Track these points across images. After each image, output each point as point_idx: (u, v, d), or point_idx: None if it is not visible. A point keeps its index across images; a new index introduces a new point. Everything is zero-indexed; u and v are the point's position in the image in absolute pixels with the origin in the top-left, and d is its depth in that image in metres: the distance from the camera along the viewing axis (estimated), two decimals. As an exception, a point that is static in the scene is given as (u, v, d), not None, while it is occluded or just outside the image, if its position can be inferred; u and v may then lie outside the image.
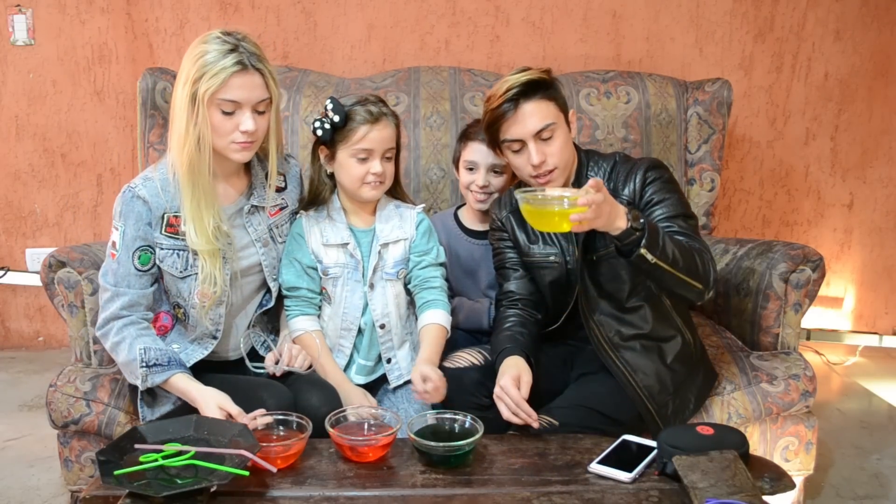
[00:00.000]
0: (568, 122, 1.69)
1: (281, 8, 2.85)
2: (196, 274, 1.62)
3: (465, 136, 2.02)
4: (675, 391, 1.69)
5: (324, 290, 1.82)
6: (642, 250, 1.46)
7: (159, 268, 1.64)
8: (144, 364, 1.57)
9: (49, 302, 1.98)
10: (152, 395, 1.64)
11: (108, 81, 2.93)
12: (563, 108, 1.68)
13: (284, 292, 1.80)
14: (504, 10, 2.85)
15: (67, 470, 1.87)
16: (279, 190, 1.78)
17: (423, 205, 1.94)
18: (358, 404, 1.68)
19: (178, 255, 1.63)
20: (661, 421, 1.65)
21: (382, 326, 1.80)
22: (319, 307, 1.84)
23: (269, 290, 1.77)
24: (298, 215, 1.83)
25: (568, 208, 1.39)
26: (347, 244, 1.79)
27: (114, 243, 1.61)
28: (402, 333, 1.84)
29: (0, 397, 2.71)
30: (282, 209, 1.78)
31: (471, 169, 1.97)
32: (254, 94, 1.57)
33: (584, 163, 1.74)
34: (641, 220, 1.47)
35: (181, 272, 1.63)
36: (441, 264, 1.88)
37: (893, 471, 2.24)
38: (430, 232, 1.87)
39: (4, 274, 3.01)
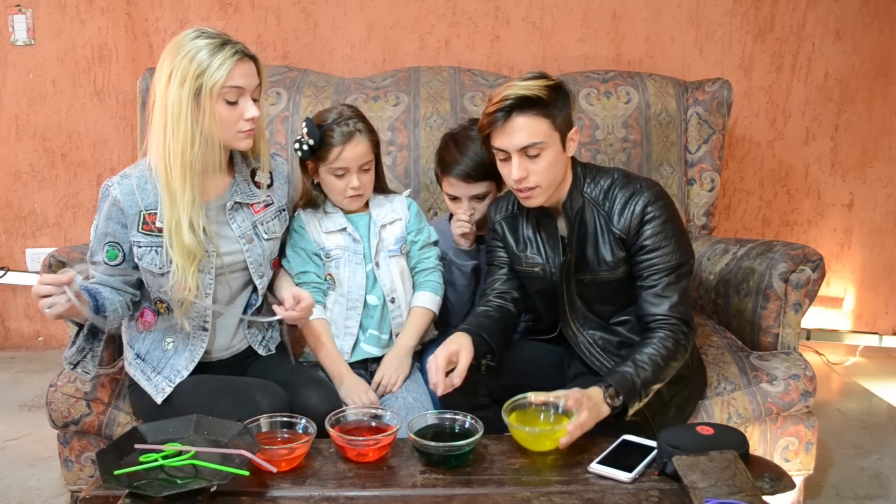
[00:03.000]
0: (564, 142, 1.63)
1: (281, 8, 2.85)
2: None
3: (441, 168, 1.99)
4: (672, 398, 1.69)
5: (329, 276, 1.87)
6: (628, 416, 1.52)
7: (134, 266, 1.65)
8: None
9: (49, 302, 1.98)
10: (158, 355, 1.70)
11: (108, 81, 2.93)
12: (561, 128, 1.61)
13: (294, 280, 1.85)
14: (504, 10, 2.85)
15: (67, 470, 1.87)
16: (264, 187, 1.77)
17: (409, 189, 2.04)
18: (358, 396, 1.73)
19: (156, 251, 1.63)
20: (657, 428, 1.65)
21: (392, 300, 1.88)
22: (325, 295, 1.87)
23: (255, 289, 1.77)
24: (297, 212, 1.89)
25: (555, 433, 1.42)
26: (345, 228, 1.87)
27: (92, 231, 1.67)
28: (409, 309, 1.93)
29: (0, 397, 2.71)
30: (267, 206, 1.77)
31: (453, 199, 1.98)
32: (253, 81, 1.61)
33: (581, 178, 1.69)
34: (620, 398, 1.50)
35: (160, 268, 1.63)
36: (434, 243, 1.97)
37: (893, 471, 2.24)
38: (420, 213, 1.98)
39: (4, 274, 3.01)
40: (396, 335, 1.89)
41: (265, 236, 1.75)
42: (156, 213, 1.62)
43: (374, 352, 1.87)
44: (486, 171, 1.87)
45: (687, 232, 1.72)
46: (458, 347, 1.57)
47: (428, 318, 1.91)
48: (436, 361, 1.54)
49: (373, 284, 1.87)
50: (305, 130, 1.80)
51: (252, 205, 1.74)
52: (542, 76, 1.62)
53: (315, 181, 1.88)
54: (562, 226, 1.72)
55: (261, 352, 1.80)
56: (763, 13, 2.88)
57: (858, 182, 3.06)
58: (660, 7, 2.85)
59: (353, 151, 1.79)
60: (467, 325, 1.67)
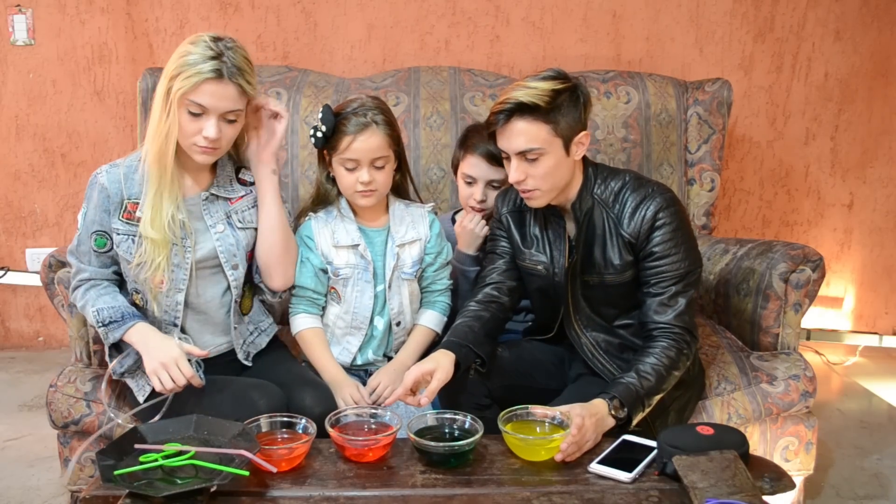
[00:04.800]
0: (568, 147, 1.59)
1: (281, 8, 2.85)
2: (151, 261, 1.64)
3: (464, 146, 1.98)
4: (672, 403, 1.69)
5: (333, 290, 1.83)
6: (631, 426, 1.53)
7: (117, 253, 1.67)
8: (101, 324, 1.62)
9: (49, 302, 1.98)
10: (118, 347, 1.69)
11: (108, 81, 2.93)
12: (564, 133, 1.58)
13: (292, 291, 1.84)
14: (504, 10, 2.85)
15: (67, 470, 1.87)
16: (248, 184, 1.77)
17: (433, 203, 1.96)
18: (349, 396, 1.70)
19: (132, 240, 1.64)
20: (656, 432, 1.65)
21: (398, 324, 1.84)
22: (323, 307, 1.86)
23: (229, 286, 1.73)
24: (307, 217, 1.84)
25: (549, 443, 1.41)
26: (358, 245, 1.80)
27: (78, 220, 1.68)
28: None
29: (0, 397, 2.71)
30: (243, 197, 1.75)
31: (469, 182, 1.96)
32: (222, 103, 1.57)
33: (592, 179, 1.67)
34: (625, 410, 1.51)
35: (133, 257, 1.64)
36: (449, 262, 1.92)
37: (893, 471, 2.24)
38: (442, 232, 1.90)
39: (4, 274, 3.01)
40: (396, 352, 1.85)
41: (239, 225, 1.73)
42: (137, 203, 1.64)
43: (369, 368, 1.85)
44: None
45: (696, 240, 1.70)
46: (435, 366, 1.55)
47: (431, 339, 1.86)
48: (405, 380, 1.53)
49: (382, 306, 1.83)
50: (320, 117, 1.73)
51: (230, 199, 1.73)
52: (554, 77, 1.59)
53: (330, 173, 1.81)
54: (570, 226, 1.71)
55: (239, 356, 1.77)
56: (763, 13, 2.88)
57: (858, 182, 3.06)
58: (660, 7, 2.85)
59: (366, 143, 1.71)
60: (455, 338, 1.64)
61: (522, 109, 1.56)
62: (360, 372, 1.85)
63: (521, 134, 1.57)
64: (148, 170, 1.62)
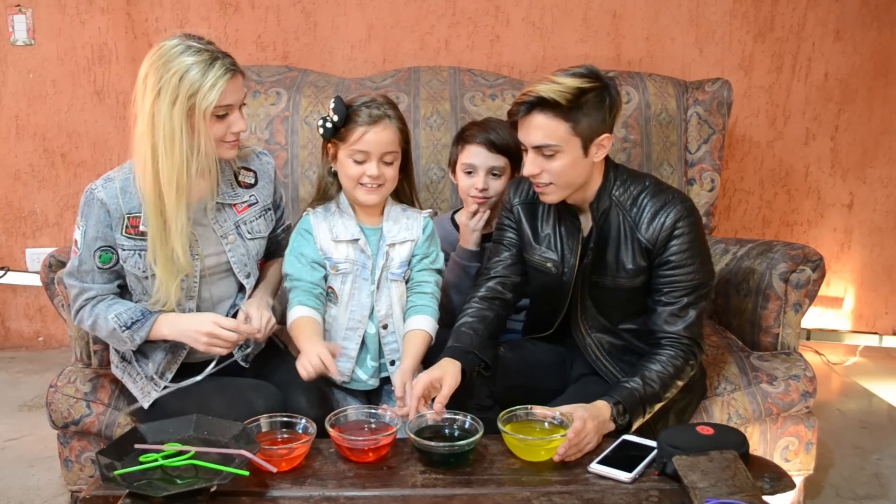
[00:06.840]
0: (587, 147, 1.57)
1: (281, 8, 2.85)
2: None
3: (461, 139, 1.99)
4: (673, 406, 1.69)
5: (331, 290, 1.79)
6: (630, 431, 1.53)
7: (123, 267, 1.65)
8: (124, 327, 1.61)
9: (49, 302, 1.98)
10: (142, 352, 1.68)
11: (108, 81, 2.93)
12: (584, 133, 1.55)
13: (288, 284, 1.77)
14: (504, 10, 2.85)
15: (67, 470, 1.87)
16: (248, 186, 1.76)
17: (431, 210, 1.94)
18: (316, 357, 1.58)
19: (139, 255, 1.62)
20: (656, 433, 1.65)
21: (385, 327, 1.78)
22: (322, 304, 1.81)
23: (243, 289, 1.74)
24: (305, 212, 1.81)
25: (548, 443, 1.41)
26: (358, 240, 1.77)
27: (76, 241, 1.64)
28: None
29: (0, 397, 2.71)
30: (250, 205, 1.75)
31: (469, 172, 1.95)
32: (240, 94, 1.61)
33: (612, 180, 1.65)
34: (626, 416, 1.52)
35: (143, 272, 1.63)
36: (438, 270, 1.86)
37: (893, 471, 2.24)
38: (433, 236, 1.85)
39: (4, 274, 3.01)
40: (391, 362, 1.78)
41: (248, 236, 1.73)
42: (138, 217, 1.61)
43: (370, 382, 1.79)
44: (508, 148, 1.89)
45: (710, 253, 1.69)
46: (442, 374, 1.55)
47: (428, 343, 1.75)
48: (414, 388, 1.53)
49: (371, 310, 1.78)
50: (332, 106, 1.69)
51: (235, 205, 1.73)
52: (584, 76, 1.56)
53: (332, 168, 1.77)
54: (584, 225, 1.69)
55: (237, 356, 1.73)
56: (763, 13, 2.88)
57: (858, 182, 3.06)
58: (660, 7, 2.85)
59: (378, 136, 1.67)
60: (459, 344, 1.64)
61: (543, 104, 1.54)
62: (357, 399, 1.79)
63: (538, 128, 1.56)
64: (168, 208, 1.55)
